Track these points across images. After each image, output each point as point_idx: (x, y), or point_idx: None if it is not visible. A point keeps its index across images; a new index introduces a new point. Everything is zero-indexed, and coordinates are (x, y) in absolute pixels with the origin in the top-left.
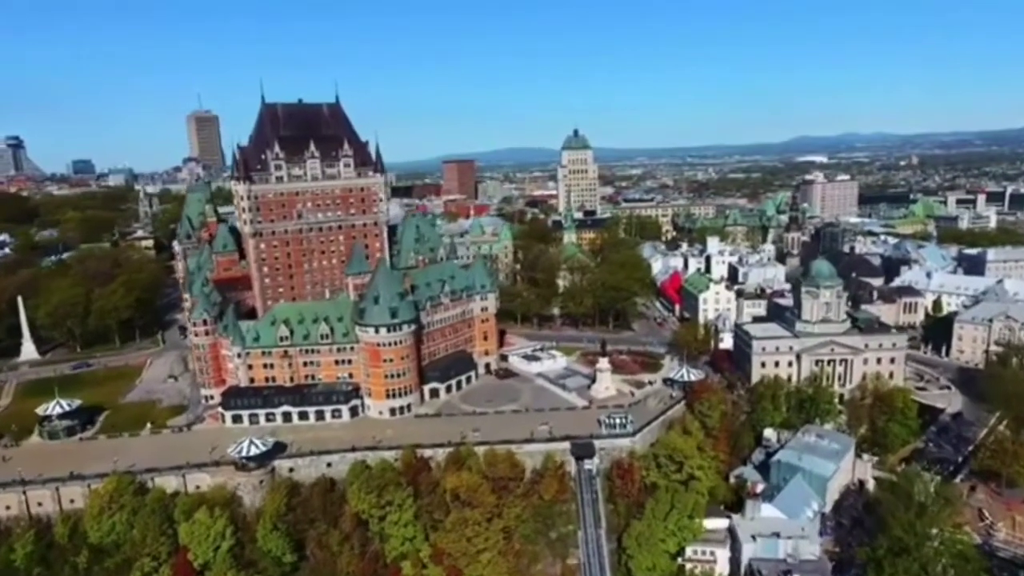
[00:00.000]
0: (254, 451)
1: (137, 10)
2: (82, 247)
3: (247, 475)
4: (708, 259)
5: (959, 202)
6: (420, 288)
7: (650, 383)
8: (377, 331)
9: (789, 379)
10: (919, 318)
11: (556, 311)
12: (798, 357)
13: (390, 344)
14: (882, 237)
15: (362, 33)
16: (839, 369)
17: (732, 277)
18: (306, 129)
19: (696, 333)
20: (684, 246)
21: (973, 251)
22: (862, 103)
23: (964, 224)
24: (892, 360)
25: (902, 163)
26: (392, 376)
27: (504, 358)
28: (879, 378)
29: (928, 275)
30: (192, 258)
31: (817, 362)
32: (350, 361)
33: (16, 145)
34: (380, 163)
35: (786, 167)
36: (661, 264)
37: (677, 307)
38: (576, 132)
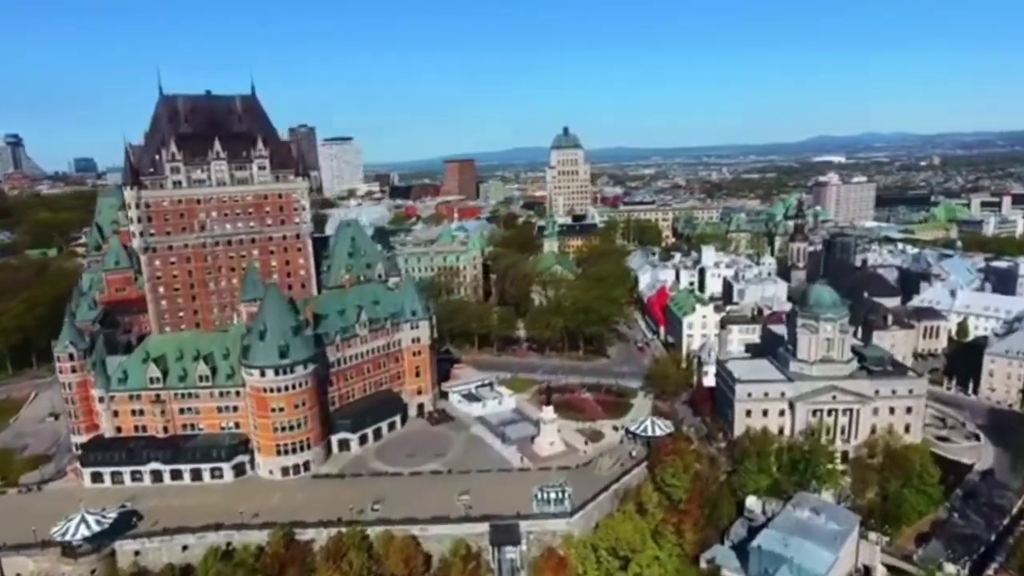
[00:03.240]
0: (84, 531)
1: (142, 7)
2: (27, 253)
3: (74, 563)
4: (702, 272)
5: (983, 205)
6: (330, 317)
7: (615, 428)
8: (263, 374)
9: (780, 431)
10: (941, 344)
11: (521, 333)
12: (791, 405)
13: (279, 389)
14: (900, 246)
15: (371, 30)
16: (842, 420)
17: (727, 295)
18: (212, 125)
19: (677, 365)
20: (677, 256)
21: (1002, 263)
22: (882, 102)
23: (989, 230)
24: (908, 410)
25: (922, 163)
26: (283, 428)
27: (445, 395)
28: (891, 432)
29: (952, 293)
30: (87, 275)
31: (815, 412)
32: (236, 408)
33: (15, 143)
34: (303, 165)
35: (802, 167)
36: (649, 276)
37: (662, 329)
38: (566, 130)
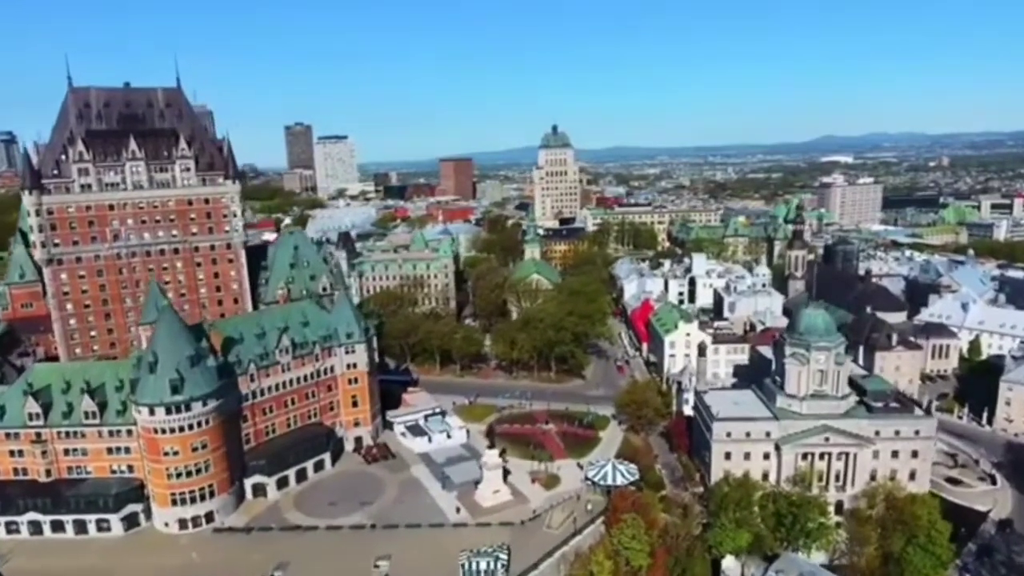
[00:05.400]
0: None
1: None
2: None
3: None
4: (693, 281)
5: (994, 207)
6: (245, 342)
7: (580, 466)
8: (152, 412)
9: (765, 477)
10: (952, 364)
11: (487, 350)
12: (777, 448)
13: (172, 430)
14: (907, 253)
15: (380, 25)
16: (837, 465)
17: (718, 308)
18: (128, 121)
19: (657, 390)
20: (667, 264)
21: (1019, 273)
22: (890, 102)
23: (1001, 234)
24: (915, 454)
25: (931, 164)
26: (179, 475)
27: (389, 425)
28: (894, 479)
29: (964, 307)
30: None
31: (805, 456)
32: (128, 449)
33: (8, 141)
34: (233, 166)
35: (809, 167)
36: (635, 286)
37: (645, 346)
38: (555, 128)
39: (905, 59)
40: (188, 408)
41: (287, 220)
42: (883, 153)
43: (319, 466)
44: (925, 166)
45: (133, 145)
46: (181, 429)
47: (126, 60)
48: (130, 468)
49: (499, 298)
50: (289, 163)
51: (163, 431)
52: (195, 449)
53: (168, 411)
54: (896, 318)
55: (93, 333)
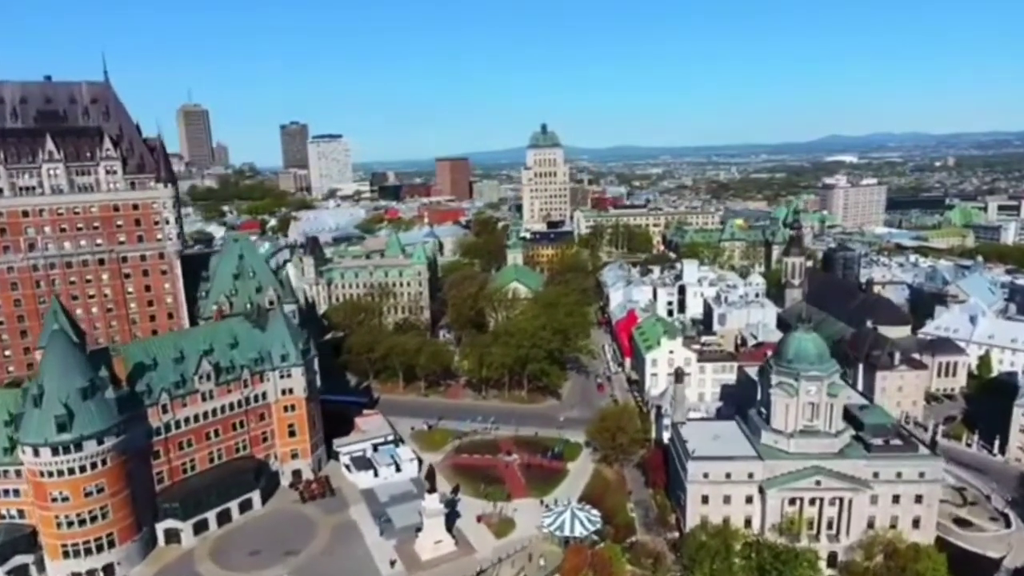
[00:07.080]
0: None
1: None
2: None
3: None
4: (683, 290)
5: (1001, 208)
6: (158, 368)
7: (544, 504)
8: (37, 453)
9: (748, 524)
10: (960, 383)
11: (456, 367)
12: (762, 491)
13: (61, 474)
14: (911, 258)
15: (383, 26)
16: (829, 512)
17: (709, 320)
18: (48, 118)
19: (639, 413)
20: (656, 270)
21: None
22: (895, 102)
23: (1009, 237)
24: (918, 498)
25: (937, 164)
26: (71, 523)
27: (335, 456)
28: (895, 528)
29: (972, 319)
30: None
31: (793, 500)
32: (18, 492)
33: None
34: (166, 168)
35: (813, 167)
36: (622, 295)
37: (628, 362)
38: (544, 128)
39: (909, 59)
40: (79, 448)
41: (272, 221)
42: (888, 153)
43: (245, 506)
44: (930, 166)
45: (50, 145)
46: (71, 471)
47: (124, 60)
48: (20, 513)
49: (472, 309)
50: (285, 163)
51: (50, 474)
52: (89, 494)
53: (55, 451)
54: (899, 332)
55: (8, 353)
